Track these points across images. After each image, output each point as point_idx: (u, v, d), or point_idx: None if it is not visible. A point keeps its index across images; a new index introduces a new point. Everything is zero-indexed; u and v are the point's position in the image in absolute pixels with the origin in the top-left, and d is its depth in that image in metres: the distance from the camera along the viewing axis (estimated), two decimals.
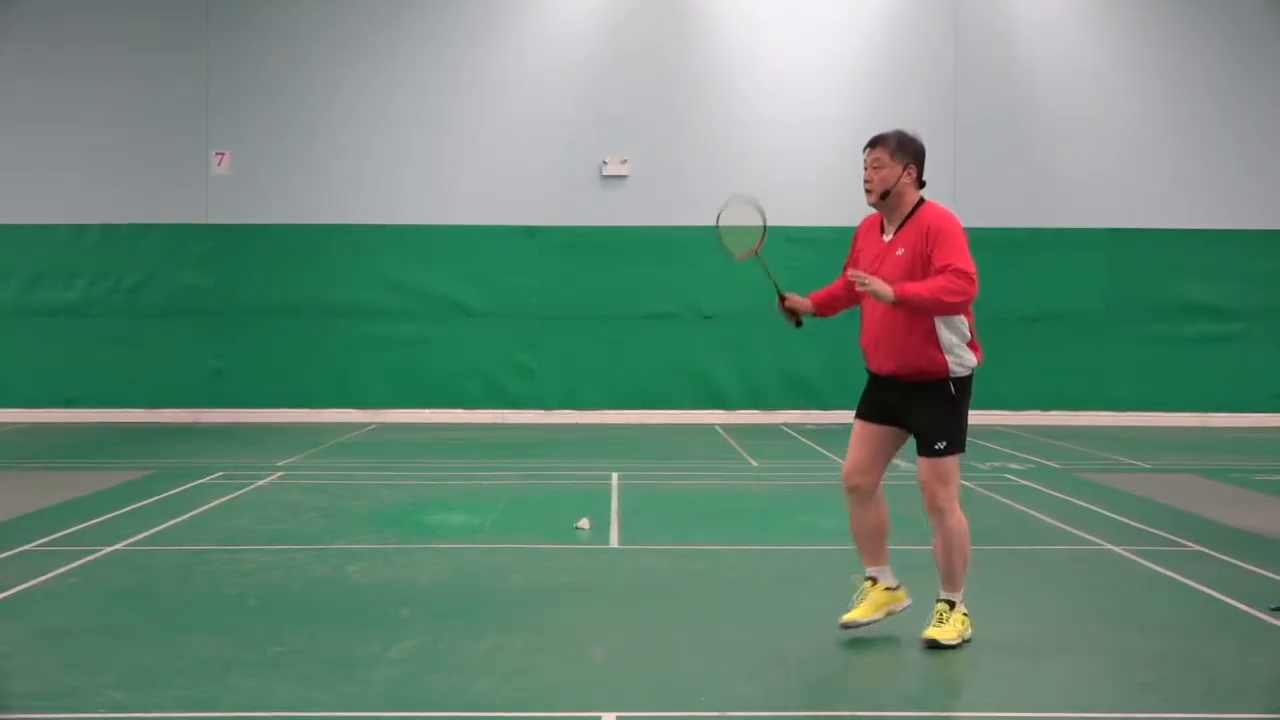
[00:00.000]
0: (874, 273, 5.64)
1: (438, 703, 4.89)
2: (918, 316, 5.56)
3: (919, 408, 5.67)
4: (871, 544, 5.85)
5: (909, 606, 5.88)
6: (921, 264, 5.60)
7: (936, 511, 5.68)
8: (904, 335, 5.63)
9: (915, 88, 18.39)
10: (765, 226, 6.10)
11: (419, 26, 18.42)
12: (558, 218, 18.34)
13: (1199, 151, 18.58)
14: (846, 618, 5.78)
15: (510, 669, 5.35)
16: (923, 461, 5.70)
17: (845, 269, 5.96)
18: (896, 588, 5.87)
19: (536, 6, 18.51)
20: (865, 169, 5.82)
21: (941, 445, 5.64)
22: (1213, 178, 18.54)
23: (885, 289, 5.44)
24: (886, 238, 5.79)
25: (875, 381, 5.85)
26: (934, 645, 5.63)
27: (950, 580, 5.73)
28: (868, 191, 5.78)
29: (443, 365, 18.21)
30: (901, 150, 5.77)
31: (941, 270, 5.51)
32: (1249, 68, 18.60)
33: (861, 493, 5.78)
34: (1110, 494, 10.72)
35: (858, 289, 5.57)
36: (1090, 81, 18.60)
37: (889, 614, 5.84)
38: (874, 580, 5.82)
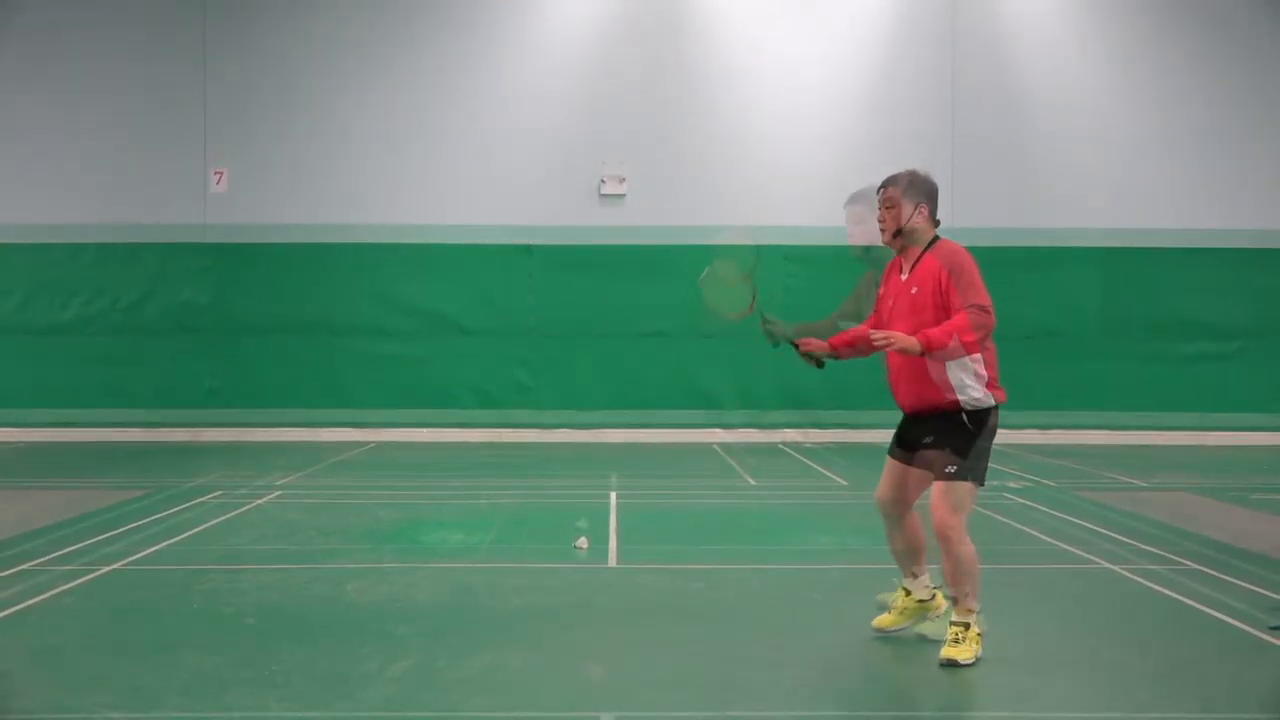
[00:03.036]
0: (891, 312, 5.93)
1: None
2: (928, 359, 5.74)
3: (934, 437, 5.84)
4: (903, 560, 6.22)
5: (941, 615, 6.23)
6: (934, 300, 5.74)
7: (943, 539, 5.76)
8: (919, 375, 5.82)
9: (912, 103, 18.47)
10: (755, 293, 6.23)
11: (417, 44, 18.49)
12: (556, 235, 18.38)
13: (1196, 168, 18.64)
14: (876, 622, 6.24)
15: (507, 687, 5.35)
16: (934, 486, 5.84)
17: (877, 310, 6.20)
18: (930, 599, 6.26)
19: (534, 25, 18.57)
20: (879, 209, 5.99)
21: (951, 469, 5.73)
22: (1210, 194, 18.60)
23: (910, 343, 5.55)
24: (903, 276, 5.97)
25: (904, 418, 6.09)
26: (951, 664, 5.68)
27: (960, 603, 5.81)
28: (881, 231, 6.00)
29: (441, 383, 18.22)
30: (913, 189, 5.90)
31: (959, 309, 5.65)
32: (1246, 83, 18.67)
33: (890, 518, 6.14)
34: (1107, 512, 10.73)
35: (877, 345, 5.70)
36: (1087, 97, 18.67)
37: (917, 622, 6.26)
38: (907, 591, 6.23)
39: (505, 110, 18.49)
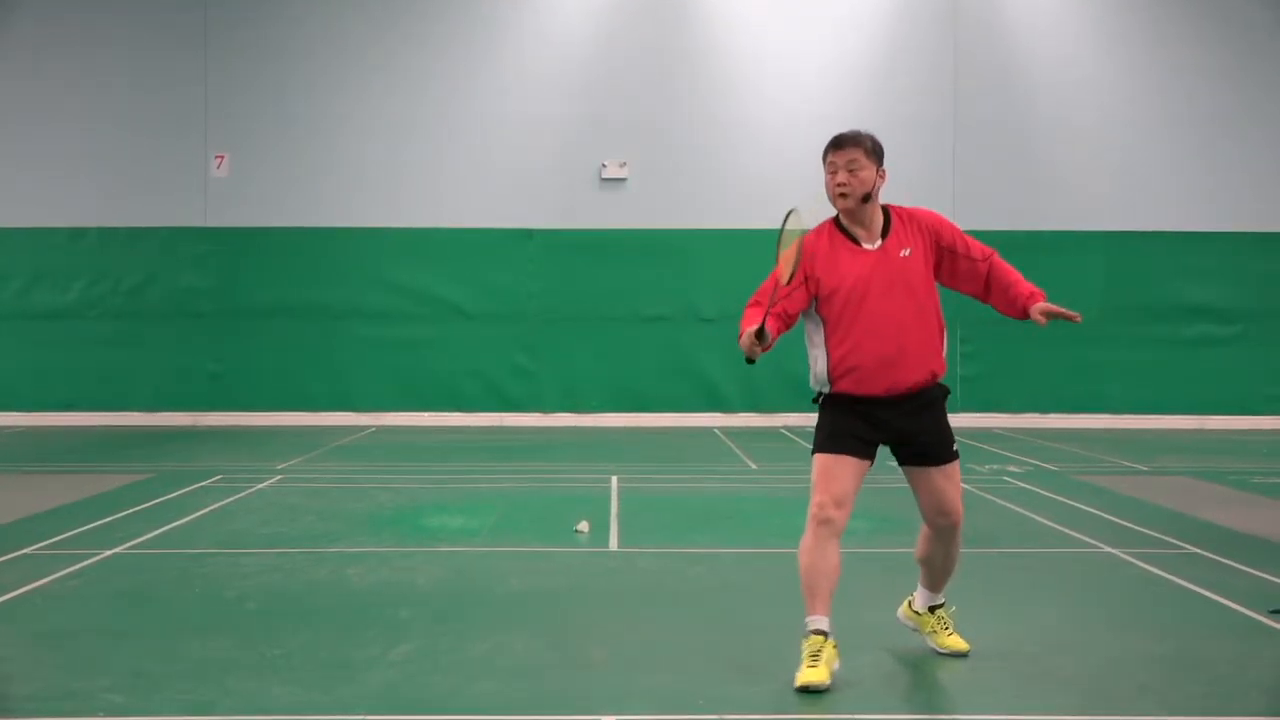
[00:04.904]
0: (870, 284, 5.18)
1: (436, 705, 4.89)
2: (934, 316, 5.29)
3: (926, 417, 5.32)
4: (830, 588, 5.16)
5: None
6: (930, 259, 5.31)
7: (956, 523, 5.38)
8: (927, 340, 5.27)
9: (915, 89, 18.41)
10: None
11: (417, 29, 18.44)
12: (556, 220, 18.35)
13: (1197, 153, 18.60)
14: (807, 681, 4.99)
15: (509, 671, 5.34)
16: (939, 471, 5.32)
17: (776, 292, 5.17)
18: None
19: (534, 9, 18.53)
20: (837, 172, 5.23)
21: (956, 448, 5.39)
22: (1211, 179, 18.57)
23: (1065, 310, 5.28)
24: (870, 245, 5.27)
25: (873, 405, 5.25)
26: (965, 654, 5.59)
27: (943, 584, 5.67)
28: (842, 196, 5.22)
29: (442, 368, 18.22)
30: (876, 151, 5.27)
31: (986, 259, 5.40)
32: (1247, 69, 18.63)
33: (836, 528, 5.16)
34: (1108, 496, 10.73)
35: (1046, 322, 5.32)
36: (1089, 83, 18.63)
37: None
38: (826, 634, 5.11)
39: (506, 96, 18.44)
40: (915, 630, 5.76)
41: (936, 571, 5.61)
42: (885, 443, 5.37)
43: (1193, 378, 18.31)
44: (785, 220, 5.13)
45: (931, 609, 5.69)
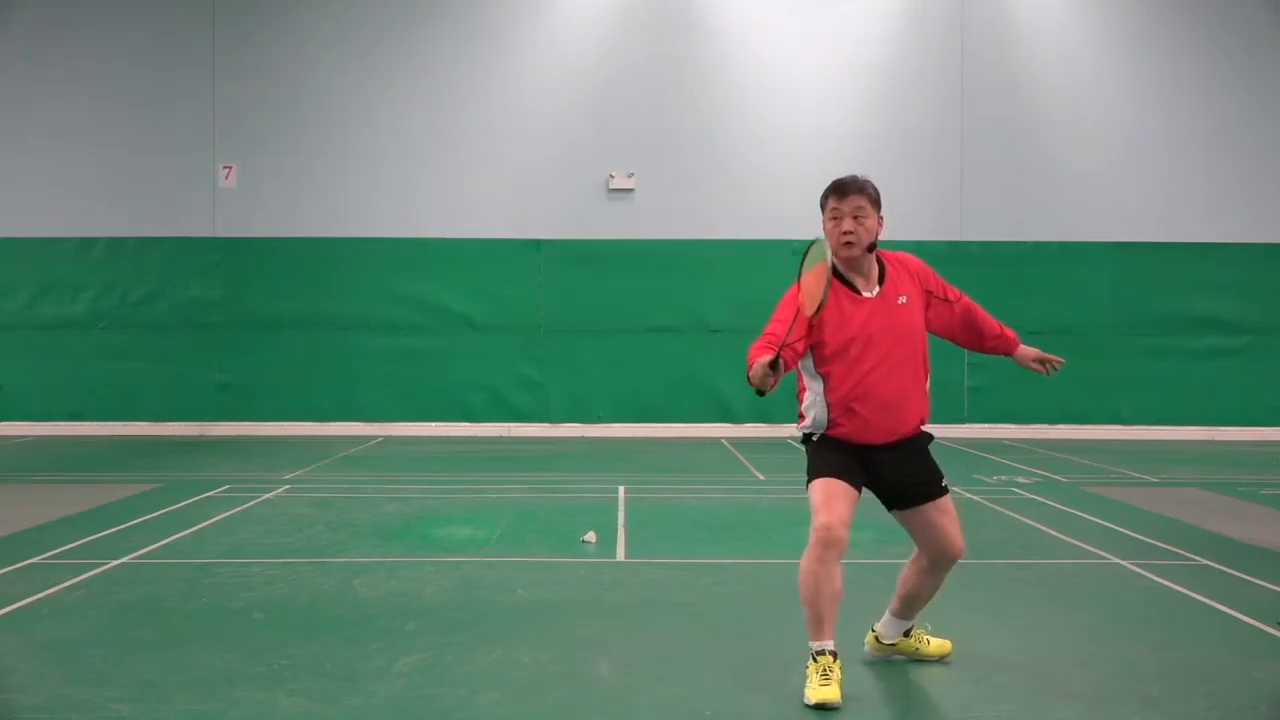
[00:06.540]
0: (886, 329, 5.14)
1: (443, 717, 4.89)
2: (924, 361, 5.27)
3: (912, 458, 5.29)
4: (836, 611, 5.04)
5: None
6: (922, 306, 5.32)
7: (958, 557, 5.33)
8: (918, 385, 5.24)
9: (922, 102, 18.44)
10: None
11: (426, 42, 18.50)
12: (564, 231, 18.38)
13: (1206, 165, 18.61)
14: (823, 699, 4.94)
15: (516, 683, 5.34)
16: (933, 507, 5.26)
17: (795, 322, 5.04)
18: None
19: (542, 22, 18.57)
20: (841, 219, 5.13)
21: (947, 482, 5.37)
22: (1219, 191, 18.56)
23: (1050, 356, 5.49)
24: (868, 293, 5.19)
25: (863, 450, 5.21)
26: (949, 653, 5.71)
27: (917, 613, 5.64)
28: (849, 244, 5.11)
29: (449, 379, 18.25)
30: (878, 199, 5.20)
31: (959, 300, 5.46)
32: (1255, 82, 18.64)
33: (841, 549, 5.04)
34: (1117, 508, 10.70)
35: (1048, 371, 5.53)
36: (1096, 96, 18.64)
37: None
38: (835, 654, 5.04)
39: (514, 107, 18.50)
40: (888, 659, 5.71)
41: (918, 603, 5.55)
42: (873, 486, 5.31)
43: (1202, 389, 18.30)
44: (808, 250, 5.09)
45: (905, 634, 5.67)
